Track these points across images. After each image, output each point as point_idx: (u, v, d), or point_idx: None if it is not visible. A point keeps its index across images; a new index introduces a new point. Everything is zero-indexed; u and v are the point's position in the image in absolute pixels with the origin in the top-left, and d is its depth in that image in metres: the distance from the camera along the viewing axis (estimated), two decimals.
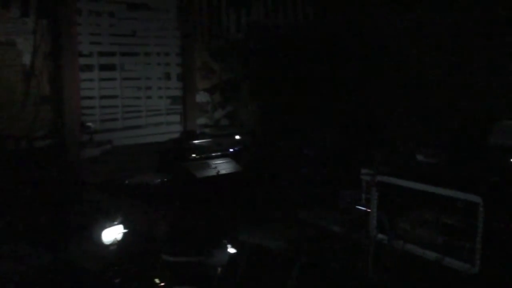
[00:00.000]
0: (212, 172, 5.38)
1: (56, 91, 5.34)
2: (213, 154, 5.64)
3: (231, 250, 3.72)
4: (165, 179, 5.14)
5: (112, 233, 3.81)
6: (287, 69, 6.38)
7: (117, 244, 3.84)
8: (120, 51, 5.74)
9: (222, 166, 5.53)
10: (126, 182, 5.15)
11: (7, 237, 4.05)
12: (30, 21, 5.19)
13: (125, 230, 3.86)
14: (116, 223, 3.84)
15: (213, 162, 5.53)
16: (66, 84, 5.35)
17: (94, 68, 5.59)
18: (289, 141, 6.06)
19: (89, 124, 5.52)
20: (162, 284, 3.84)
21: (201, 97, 6.29)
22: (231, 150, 5.79)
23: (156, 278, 3.85)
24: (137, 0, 5.77)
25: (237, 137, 5.90)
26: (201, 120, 6.30)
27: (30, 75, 5.22)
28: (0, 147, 5.02)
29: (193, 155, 5.53)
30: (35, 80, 5.24)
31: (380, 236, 4.05)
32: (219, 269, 3.52)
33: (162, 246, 3.72)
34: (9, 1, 5.06)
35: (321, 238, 4.49)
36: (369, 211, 4.20)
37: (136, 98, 5.89)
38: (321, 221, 4.61)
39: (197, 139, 5.71)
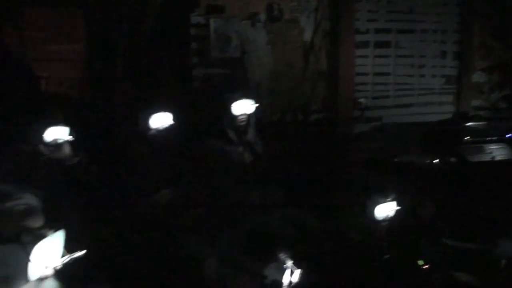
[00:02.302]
0: (487, 158, 5.07)
1: (332, 67, 5.51)
2: (488, 139, 5.30)
3: None
4: (436, 161, 4.99)
5: (385, 210, 3.80)
6: None
7: (389, 220, 3.83)
8: (396, 28, 5.68)
9: (497, 151, 5.18)
10: (395, 160, 5.12)
11: (280, 201, 4.28)
12: None
13: (398, 208, 3.82)
14: (389, 200, 3.82)
15: (488, 147, 5.21)
16: (342, 60, 5.48)
17: (369, 45, 5.63)
18: None
19: (361, 100, 5.61)
20: (426, 266, 3.74)
21: (478, 77, 5.93)
22: (508, 135, 5.38)
23: (420, 260, 3.77)
24: None
25: None
26: (476, 102, 5.95)
27: (309, 51, 5.47)
28: (280, 118, 5.38)
29: (466, 138, 5.27)
30: (313, 56, 5.48)
31: None
32: (503, 262, 3.29)
33: (443, 229, 3.61)
34: None
35: None
36: None
37: (408, 76, 5.80)
38: None
39: (471, 121, 5.42)
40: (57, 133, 3.49)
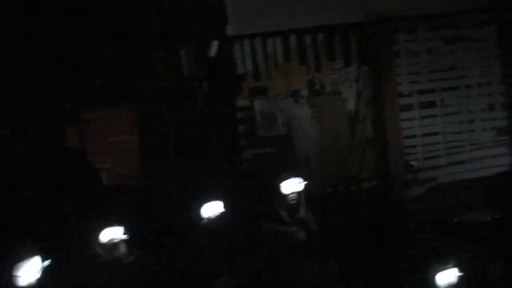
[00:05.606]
0: None
1: (379, 133, 5.53)
2: None
3: None
4: (497, 216, 4.84)
5: (447, 277, 3.69)
6: None
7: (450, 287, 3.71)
8: (439, 87, 5.66)
9: None
10: (455, 220, 5.01)
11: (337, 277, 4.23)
12: (352, 70, 5.52)
13: (460, 274, 3.71)
14: (450, 266, 3.71)
15: None
16: (388, 125, 5.50)
17: (414, 107, 5.62)
18: None
19: (412, 162, 5.56)
20: None
21: None
22: None
23: None
24: (454, 34, 5.63)
25: None
26: None
27: (354, 120, 5.53)
28: (333, 189, 5.39)
29: None
30: (359, 125, 5.53)
31: None
32: None
33: None
34: (334, 55, 5.47)
35: None
36: None
37: (458, 133, 5.72)
38: None
39: None
40: (113, 233, 3.55)
